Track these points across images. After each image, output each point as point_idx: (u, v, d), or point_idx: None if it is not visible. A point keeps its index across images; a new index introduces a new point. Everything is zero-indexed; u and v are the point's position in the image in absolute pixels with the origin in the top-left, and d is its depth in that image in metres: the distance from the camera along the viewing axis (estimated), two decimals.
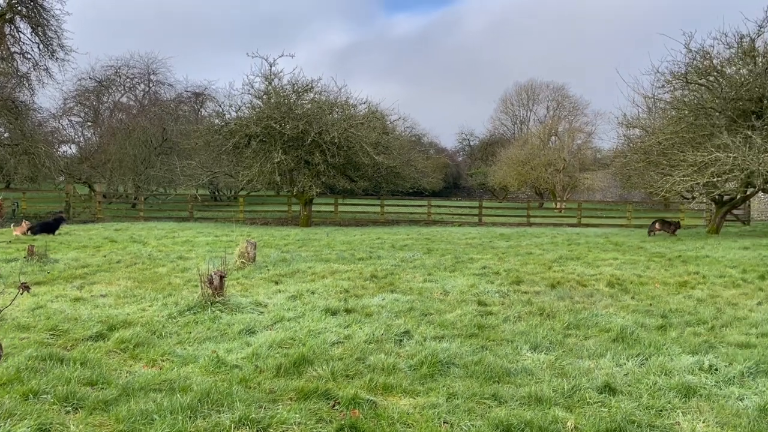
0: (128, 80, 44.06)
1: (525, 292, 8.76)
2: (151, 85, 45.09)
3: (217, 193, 43.43)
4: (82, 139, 42.46)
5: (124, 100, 44.40)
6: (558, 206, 43.46)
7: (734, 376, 4.87)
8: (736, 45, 20.20)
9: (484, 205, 32.59)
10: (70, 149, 40.90)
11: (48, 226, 18.15)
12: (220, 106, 28.62)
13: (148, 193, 35.92)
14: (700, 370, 5.02)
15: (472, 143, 75.90)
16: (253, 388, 4.56)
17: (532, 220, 30.10)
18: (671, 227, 21.20)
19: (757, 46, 19.93)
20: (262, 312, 7.18)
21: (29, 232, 17.37)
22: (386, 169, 27.82)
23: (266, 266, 10.98)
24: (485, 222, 29.72)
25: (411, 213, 31.69)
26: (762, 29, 19.66)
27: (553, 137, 54.93)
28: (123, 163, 35.67)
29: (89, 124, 42.63)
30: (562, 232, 22.39)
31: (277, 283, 9.37)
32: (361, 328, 6.33)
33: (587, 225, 28.52)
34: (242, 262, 10.88)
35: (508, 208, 36.87)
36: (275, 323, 6.61)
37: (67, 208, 27.22)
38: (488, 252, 14.35)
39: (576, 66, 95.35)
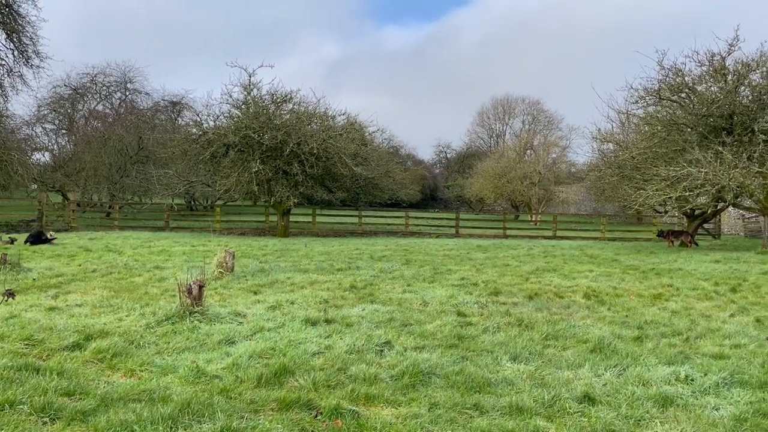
0: (104, 88, 43.48)
1: (503, 303, 8.84)
2: (127, 93, 44.57)
3: (193, 202, 43.00)
4: (56, 146, 41.76)
5: (99, 108, 43.77)
6: (533, 219, 43.90)
7: (710, 387, 4.97)
8: (707, 63, 20.80)
9: (461, 217, 32.81)
10: (43, 157, 40.18)
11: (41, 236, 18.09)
12: (198, 115, 28.49)
13: (124, 202, 35.42)
14: (677, 381, 5.12)
15: (448, 155, 76.46)
16: (234, 399, 4.52)
17: (508, 232, 30.37)
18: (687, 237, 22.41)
19: (727, 64, 20.53)
20: (241, 322, 7.12)
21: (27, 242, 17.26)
22: (364, 181, 27.92)
23: (245, 276, 10.91)
24: (462, 234, 29.89)
25: (389, 224, 31.75)
26: (732, 48, 20.28)
27: (528, 151, 55.60)
28: (98, 171, 35.12)
29: (63, 131, 41.95)
30: (538, 245, 22.64)
31: (256, 293, 9.31)
32: (341, 339, 6.32)
33: (562, 237, 28.86)
34: (220, 272, 10.79)
35: (484, 220, 37.14)
36: (255, 333, 6.57)
37: (40, 217, 26.70)
38: (466, 263, 14.44)
39: (552, 81, 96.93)
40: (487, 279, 11.41)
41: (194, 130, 27.22)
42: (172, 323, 6.86)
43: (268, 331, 6.67)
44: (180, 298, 7.31)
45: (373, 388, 4.77)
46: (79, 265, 12.33)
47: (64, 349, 5.73)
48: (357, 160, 26.32)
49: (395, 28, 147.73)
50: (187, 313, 7.11)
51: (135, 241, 19.36)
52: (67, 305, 7.98)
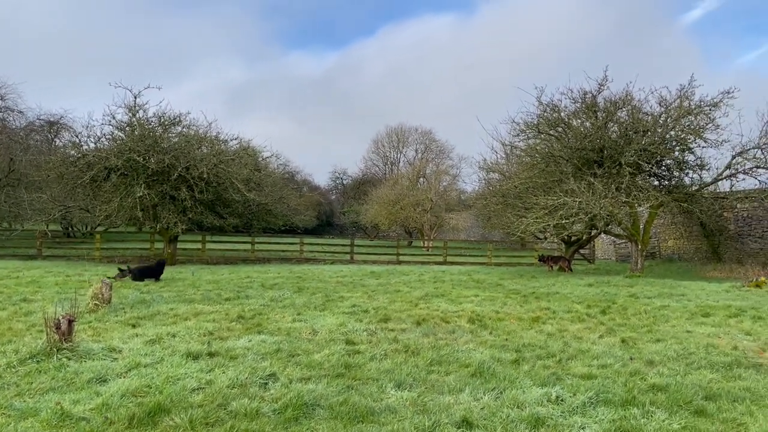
0: None
1: (392, 330, 8.95)
2: None
3: (71, 228, 40.18)
4: None
5: None
6: (426, 245, 45.03)
7: (578, 406, 5.29)
8: (580, 100, 22.50)
9: (356, 243, 33.04)
10: None
11: (151, 270, 16.32)
12: (77, 136, 26.81)
13: None
14: (548, 402, 5.40)
15: (345, 182, 77.08)
16: None
17: (401, 258, 30.93)
18: (565, 262, 23.71)
19: (598, 101, 22.32)
20: (115, 358, 6.70)
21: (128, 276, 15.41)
22: (257, 206, 27.43)
23: (123, 308, 10.31)
24: (357, 260, 30.06)
25: (283, 251, 31.33)
26: (602, 87, 22.10)
27: (421, 178, 57.25)
28: None
29: None
30: (429, 270, 23.20)
31: (134, 326, 8.81)
32: (224, 372, 6.11)
33: (452, 263, 29.80)
34: (96, 304, 10.12)
35: (379, 246, 37.63)
36: (130, 370, 6.20)
37: None
38: (359, 290, 14.51)
39: (445, 112, 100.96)
40: (378, 305, 11.52)
41: (73, 152, 25.57)
42: (37, 362, 6.34)
43: (145, 367, 6.32)
44: (47, 334, 6.77)
45: (254, 424, 4.65)
46: None
47: None
48: (250, 186, 25.82)
49: (302, 54, 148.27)
50: (55, 350, 6.60)
51: (1, 271, 17.76)
52: None
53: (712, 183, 22.72)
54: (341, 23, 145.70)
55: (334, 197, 76.49)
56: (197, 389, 5.57)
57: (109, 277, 15.74)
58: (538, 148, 23.64)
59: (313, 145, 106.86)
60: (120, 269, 16.34)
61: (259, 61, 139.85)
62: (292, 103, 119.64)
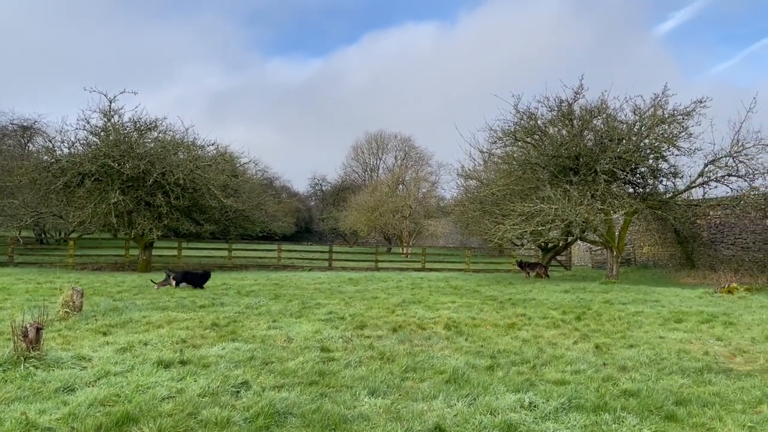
0: None
1: (368, 337, 8.91)
2: None
3: (44, 235, 39.46)
4: None
5: None
6: (404, 251, 45.09)
7: (550, 412, 5.31)
8: (556, 108, 22.73)
9: (334, 249, 32.93)
10: None
11: (195, 277, 16.41)
12: (50, 141, 26.31)
13: None
14: (522, 408, 5.41)
15: (324, 188, 76.93)
16: None
17: (380, 264, 30.91)
18: (542, 269, 23.90)
19: (574, 110, 22.57)
20: (85, 367, 6.57)
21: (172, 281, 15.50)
22: (235, 213, 27.20)
23: (94, 316, 10.12)
24: (335, 267, 29.96)
25: (260, 257, 31.11)
26: (578, 95, 22.36)
27: (400, 185, 57.31)
28: None
29: None
30: (407, 277, 23.21)
31: (105, 334, 8.65)
32: (195, 381, 6.02)
33: (431, 269, 29.85)
34: (66, 311, 9.92)
35: (357, 252, 37.56)
36: (99, 379, 6.08)
37: None
38: (336, 297, 14.45)
39: (424, 120, 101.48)
40: (354, 312, 11.47)
41: (46, 157, 25.11)
42: (3, 371, 6.20)
43: (115, 375, 6.20)
44: (14, 342, 6.62)
45: None
46: None
47: None
48: (227, 192, 25.62)
49: (284, 62, 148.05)
50: (22, 358, 6.46)
51: None
52: None
53: (685, 191, 23.09)
54: (323, 31, 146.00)
55: (313, 203, 76.29)
56: (167, 398, 5.47)
57: (153, 282, 16.34)
58: (515, 155, 23.83)
59: (294, 152, 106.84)
60: (168, 272, 16.54)
61: (240, 69, 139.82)
62: (274, 110, 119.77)
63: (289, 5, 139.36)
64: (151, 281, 16.51)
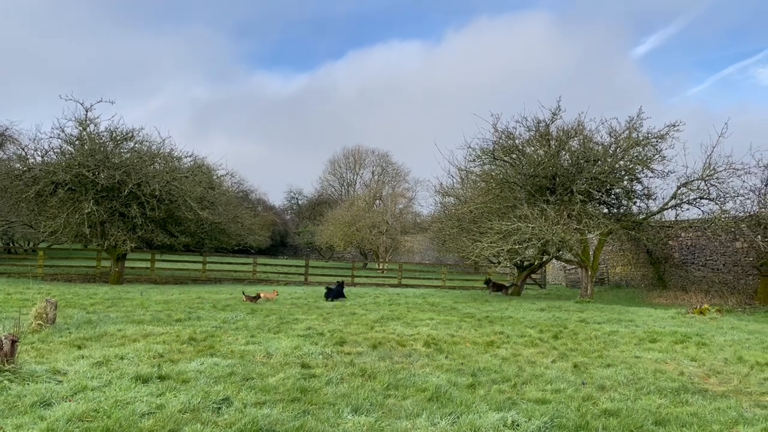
0: None
1: (348, 353, 8.87)
2: None
3: (12, 244, 38.60)
4: None
5: None
6: (381, 267, 45.03)
7: (533, 431, 5.33)
8: (534, 128, 23.06)
9: (310, 264, 32.73)
10: None
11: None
12: (23, 149, 25.83)
13: None
14: (504, 426, 5.43)
15: (300, 202, 76.65)
16: None
17: (356, 279, 30.80)
18: (505, 290, 24.13)
19: (551, 130, 22.91)
20: (60, 381, 6.42)
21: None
22: (210, 225, 26.94)
23: (68, 329, 9.91)
24: (311, 281, 29.78)
25: (236, 271, 30.79)
26: (555, 116, 22.72)
27: (377, 201, 57.44)
28: None
29: None
30: (384, 293, 23.16)
31: (80, 347, 8.47)
32: (176, 396, 5.93)
33: (407, 285, 29.84)
34: (39, 324, 9.69)
35: (334, 267, 37.37)
36: (76, 393, 5.94)
37: None
38: (313, 312, 14.36)
39: (402, 136, 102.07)
40: (333, 328, 11.41)
41: (17, 165, 24.64)
42: None
43: (92, 390, 6.07)
44: None
45: None
46: None
47: None
48: (203, 204, 25.39)
49: (269, 76, 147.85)
50: None
51: None
52: None
53: (658, 212, 23.56)
54: (310, 46, 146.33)
55: (289, 217, 75.86)
56: (147, 414, 5.37)
57: (245, 294, 17.22)
58: (493, 173, 24.04)
59: (272, 164, 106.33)
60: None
61: (225, 81, 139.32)
62: (256, 123, 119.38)
63: (277, 19, 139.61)
64: (242, 293, 17.71)
